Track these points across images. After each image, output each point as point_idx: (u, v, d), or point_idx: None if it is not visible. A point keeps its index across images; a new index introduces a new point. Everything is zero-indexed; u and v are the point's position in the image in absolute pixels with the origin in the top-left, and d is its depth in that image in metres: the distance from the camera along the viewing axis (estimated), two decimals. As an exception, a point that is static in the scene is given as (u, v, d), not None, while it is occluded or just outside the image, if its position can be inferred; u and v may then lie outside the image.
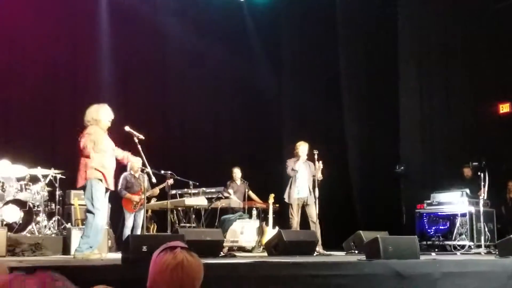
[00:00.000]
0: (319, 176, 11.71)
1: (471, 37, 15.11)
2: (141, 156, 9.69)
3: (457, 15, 15.19)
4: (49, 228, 11.26)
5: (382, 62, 15.64)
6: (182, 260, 2.54)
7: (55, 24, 14.27)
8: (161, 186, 12.12)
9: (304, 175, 11.71)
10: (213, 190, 12.82)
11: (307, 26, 16.50)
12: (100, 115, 8.79)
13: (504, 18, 14.60)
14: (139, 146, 9.27)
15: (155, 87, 15.83)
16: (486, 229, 12.70)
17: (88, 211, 8.62)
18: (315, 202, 11.59)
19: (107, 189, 8.75)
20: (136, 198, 12.10)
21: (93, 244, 8.58)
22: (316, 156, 11.67)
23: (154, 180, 10.14)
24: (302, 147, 11.84)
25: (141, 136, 9.28)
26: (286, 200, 11.80)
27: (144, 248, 6.56)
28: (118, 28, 15.05)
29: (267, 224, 12.74)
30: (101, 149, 8.65)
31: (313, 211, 11.58)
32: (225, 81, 16.35)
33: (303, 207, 11.75)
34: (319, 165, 11.68)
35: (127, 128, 9.26)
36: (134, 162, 9.64)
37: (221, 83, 16.35)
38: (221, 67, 16.20)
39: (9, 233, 9.76)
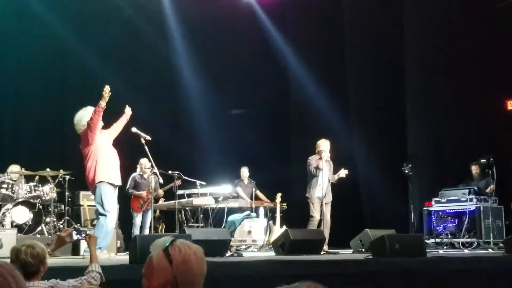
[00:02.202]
0: (335, 180, 11.69)
1: (478, 33, 15.07)
2: (148, 157, 9.77)
3: (464, 12, 15.16)
4: (59, 229, 11.33)
5: (388, 59, 15.62)
6: (195, 248, 2.62)
7: (64, 26, 14.34)
8: (168, 187, 12.19)
9: (325, 175, 11.59)
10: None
11: (314, 27, 16.49)
12: (87, 119, 8.86)
13: (510, 15, 14.57)
14: (146, 147, 9.34)
15: (163, 87, 15.88)
16: (495, 226, 12.70)
17: (100, 213, 8.73)
18: (330, 203, 11.61)
19: (115, 186, 8.86)
20: (144, 194, 12.17)
21: (102, 245, 8.66)
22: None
23: (161, 180, 10.23)
24: (325, 145, 11.70)
25: (148, 137, 9.35)
26: (309, 199, 11.69)
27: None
28: (127, 29, 15.12)
29: (274, 223, 12.77)
30: (101, 149, 8.76)
31: (328, 211, 11.54)
32: (232, 81, 16.37)
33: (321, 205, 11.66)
34: (344, 172, 11.67)
35: (133, 129, 9.33)
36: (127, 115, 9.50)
37: (228, 83, 16.37)
38: (228, 66, 16.23)
39: (19, 234, 9.85)
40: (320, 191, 11.42)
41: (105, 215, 8.66)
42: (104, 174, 8.71)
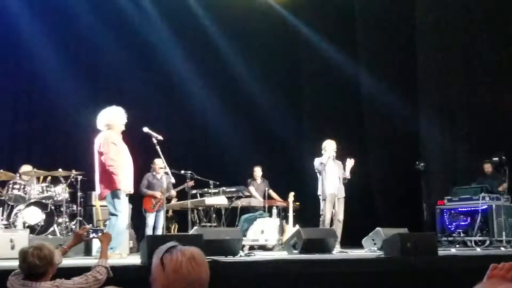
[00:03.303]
0: (348, 175, 11.68)
1: (490, 28, 14.98)
2: (159, 157, 9.77)
3: (477, 5, 15.08)
4: (71, 230, 11.36)
5: (400, 54, 15.59)
6: (192, 254, 2.60)
7: (75, 24, 14.41)
8: (181, 187, 12.22)
9: (334, 172, 11.63)
10: (233, 189, 12.85)
11: (325, 19, 16.44)
12: (114, 120, 8.87)
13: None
14: (157, 147, 9.34)
15: (176, 86, 15.89)
16: (507, 224, 12.65)
17: (111, 213, 8.76)
18: (343, 200, 11.59)
19: (127, 194, 8.90)
20: (157, 194, 12.22)
21: (114, 245, 8.67)
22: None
23: (173, 180, 10.24)
24: (330, 145, 11.78)
25: (160, 137, 9.34)
26: (320, 196, 11.69)
27: (163, 248, 6.63)
28: (142, 29, 15.17)
29: (287, 222, 12.76)
30: (117, 154, 8.76)
31: (341, 210, 11.54)
32: (245, 81, 16.36)
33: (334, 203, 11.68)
34: (351, 162, 11.66)
35: (145, 129, 9.33)
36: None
37: (240, 82, 16.37)
38: (240, 66, 16.22)
39: (31, 234, 9.87)
40: (333, 188, 11.45)
41: (117, 215, 8.68)
42: (118, 183, 8.74)
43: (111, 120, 8.86)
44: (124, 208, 8.76)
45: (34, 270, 4.54)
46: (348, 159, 11.71)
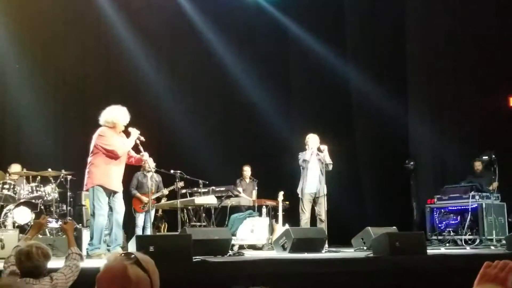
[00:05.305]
0: (329, 161, 11.63)
1: (480, 28, 15.03)
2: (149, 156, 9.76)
3: (466, 5, 15.13)
4: (61, 229, 11.32)
5: (389, 56, 15.63)
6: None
7: (64, 27, 14.37)
8: (171, 188, 12.20)
9: (315, 169, 11.61)
10: (223, 188, 12.84)
11: (315, 17, 16.46)
12: (116, 119, 8.94)
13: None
14: (141, 148, 9.33)
15: (165, 86, 15.85)
16: (497, 223, 12.68)
17: (92, 212, 8.84)
18: (324, 198, 11.57)
19: (114, 192, 8.90)
20: (145, 199, 12.22)
21: (95, 242, 8.77)
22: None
23: (159, 179, 10.22)
24: (312, 139, 11.76)
25: (142, 138, 9.32)
26: (299, 194, 11.72)
27: (151, 249, 6.64)
28: (128, 28, 15.11)
29: (277, 221, 12.77)
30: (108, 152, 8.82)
31: (322, 208, 11.52)
32: (234, 79, 16.34)
33: (313, 203, 11.69)
34: (324, 147, 11.63)
35: (130, 129, 9.32)
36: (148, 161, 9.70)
37: (229, 81, 16.35)
38: (229, 65, 16.19)
39: (20, 234, 9.83)
40: (312, 187, 11.46)
41: (93, 213, 8.82)
42: (100, 178, 8.79)
43: (112, 119, 8.98)
44: (102, 208, 8.79)
45: (40, 268, 4.63)
46: (321, 146, 11.68)
